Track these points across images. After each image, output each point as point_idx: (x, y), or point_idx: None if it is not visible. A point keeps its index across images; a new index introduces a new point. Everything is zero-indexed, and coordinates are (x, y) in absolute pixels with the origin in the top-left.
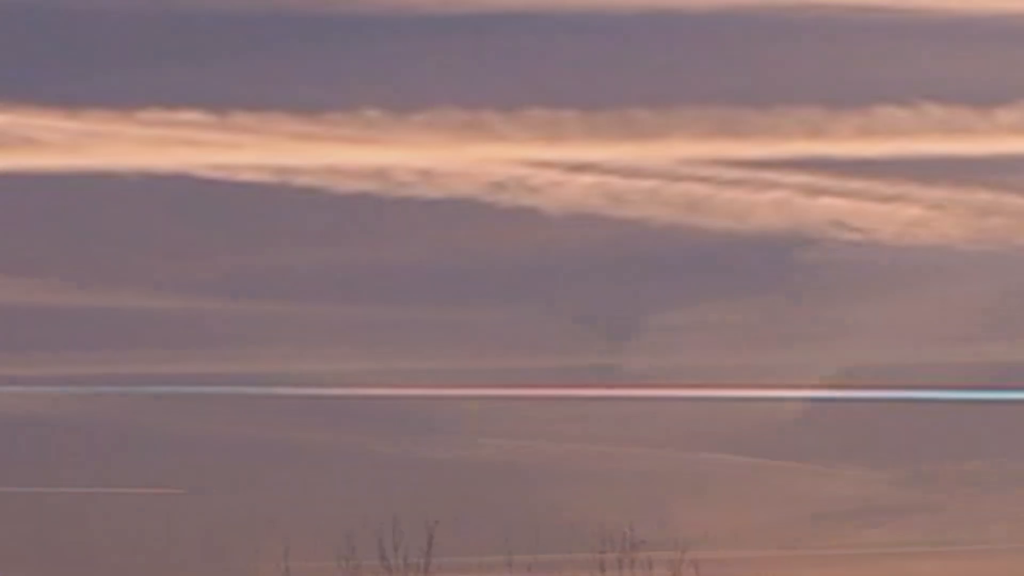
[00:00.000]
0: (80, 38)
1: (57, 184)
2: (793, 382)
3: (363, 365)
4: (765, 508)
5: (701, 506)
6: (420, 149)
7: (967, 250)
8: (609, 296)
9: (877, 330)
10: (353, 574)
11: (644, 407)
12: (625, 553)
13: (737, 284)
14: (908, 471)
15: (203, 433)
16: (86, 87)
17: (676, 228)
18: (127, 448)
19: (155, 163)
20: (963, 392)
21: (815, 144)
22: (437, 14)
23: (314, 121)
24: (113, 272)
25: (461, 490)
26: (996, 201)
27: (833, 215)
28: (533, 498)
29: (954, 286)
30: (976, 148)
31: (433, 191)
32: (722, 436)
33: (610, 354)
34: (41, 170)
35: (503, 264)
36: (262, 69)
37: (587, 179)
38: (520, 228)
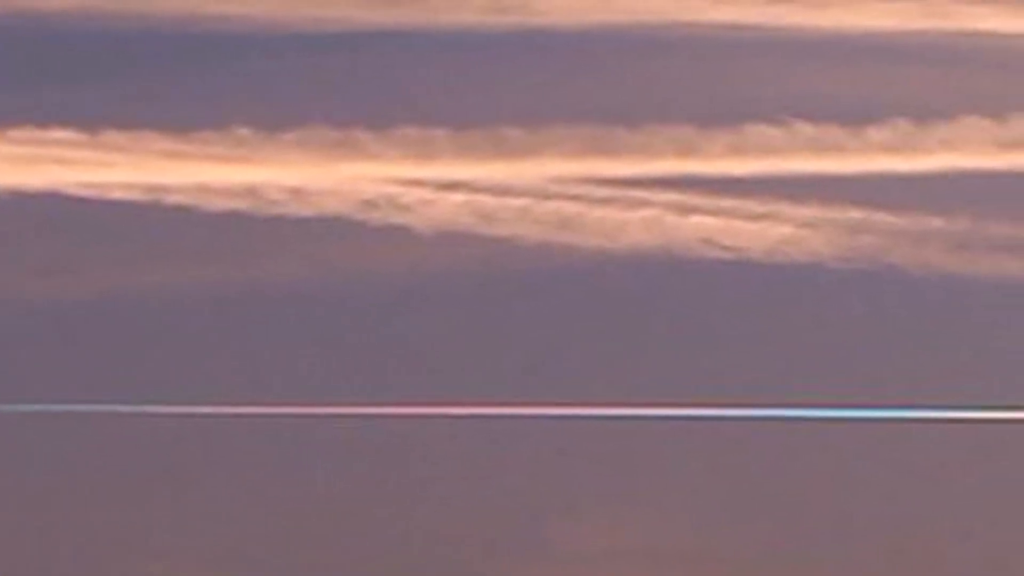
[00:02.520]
0: None
1: None
2: (660, 400)
3: (237, 381)
4: None
5: None
6: (291, 167)
7: (838, 268)
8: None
9: (747, 348)
10: None
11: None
12: None
13: (606, 302)
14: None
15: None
16: None
17: (547, 247)
18: None
19: (25, 182)
20: (834, 411)
21: (686, 162)
22: (308, 32)
23: (185, 139)
24: None
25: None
26: (867, 219)
27: (704, 233)
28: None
29: (825, 305)
30: (847, 166)
31: (304, 209)
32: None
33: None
34: None
35: (373, 282)
36: (133, 88)
37: (458, 197)
38: (391, 247)
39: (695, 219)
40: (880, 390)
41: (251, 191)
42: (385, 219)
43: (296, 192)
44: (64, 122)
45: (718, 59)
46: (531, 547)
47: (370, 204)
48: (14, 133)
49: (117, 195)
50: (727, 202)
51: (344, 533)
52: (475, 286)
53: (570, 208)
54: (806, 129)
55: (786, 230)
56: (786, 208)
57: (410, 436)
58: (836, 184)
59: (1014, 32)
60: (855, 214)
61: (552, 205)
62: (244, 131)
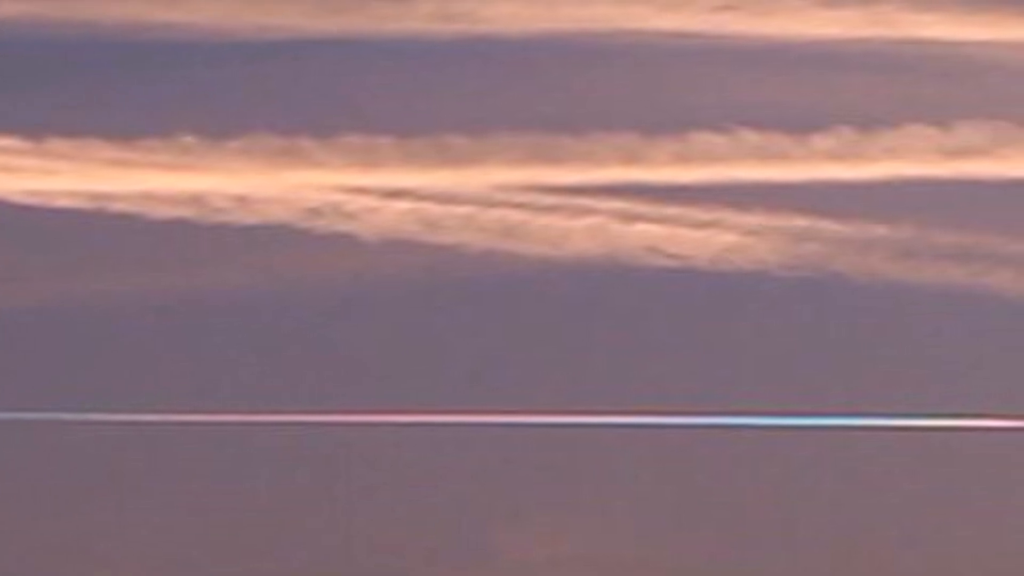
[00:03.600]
0: None
1: None
2: (604, 408)
3: (180, 389)
4: None
5: None
6: (236, 175)
7: (783, 276)
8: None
9: (692, 356)
10: None
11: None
12: None
13: (551, 310)
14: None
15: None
16: None
17: (491, 254)
18: None
19: None
20: (778, 419)
21: (631, 170)
22: (252, 40)
23: (130, 147)
24: None
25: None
26: (812, 227)
27: (649, 241)
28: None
29: (770, 313)
30: (792, 174)
31: (249, 217)
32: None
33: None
34: None
35: (318, 290)
36: (77, 95)
37: (402, 205)
38: (336, 254)
39: (640, 227)
40: (824, 398)
41: (196, 199)
42: (330, 227)
43: (241, 200)
44: (8, 130)
45: (663, 67)
46: (474, 556)
47: (315, 212)
48: None
49: (61, 203)
50: (672, 210)
51: (287, 541)
52: (420, 294)
53: (515, 216)
54: (751, 137)
55: (731, 238)
56: (731, 216)
57: (354, 444)
58: (781, 192)
59: (958, 40)
60: (800, 222)
61: (497, 213)
62: (189, 139)
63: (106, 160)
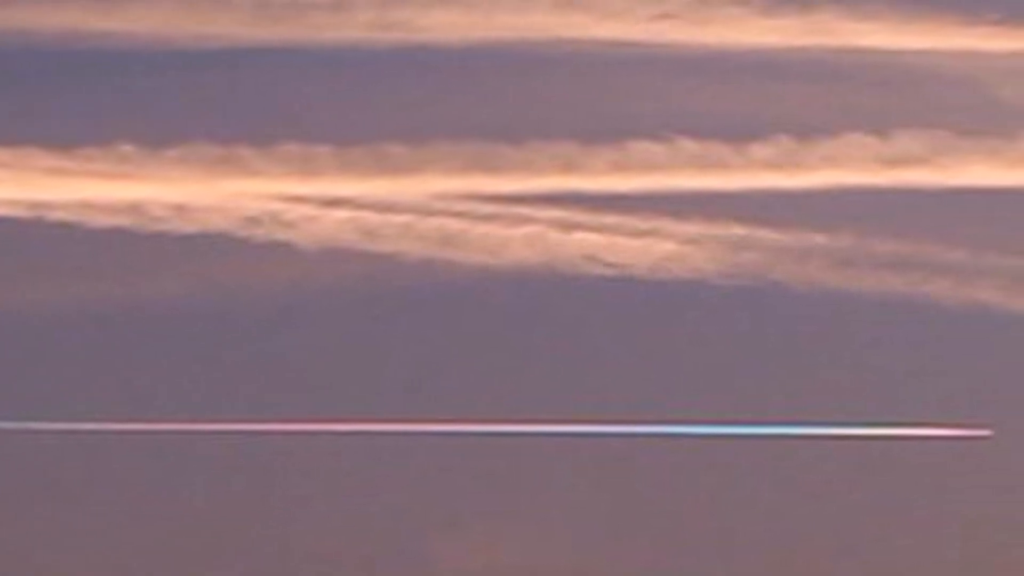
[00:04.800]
0: None
1: None
2: (541, 416)
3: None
4: None
5: None
6: (174, 184)
7: (721, 284)
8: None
9: (630, 365)
10: None
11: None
12: None
13: (490, 318)
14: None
15: None
16: None
17: (430, 263)
18: None
19: None
20: (716, 427)
21: (569, 179)
22: (190, 49)
23: (68, 156)
24: None
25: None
26: (750, 236)
27: (587, 250)
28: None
29: (708, 321)
30: (730, 183)
31: (187, 226)
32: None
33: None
34: None
35: (257, 298)
36: (16, 104)
37: (341, 214)
38: (274, 263)
39: (578, 235)
40: (762, 406)
41: (134, 208)
42: (268, 235)
43: (179, 209)
44: None
45: (601, 76)
46: (411, 564)
47: (253, 221)
48: None
49: (0, 212)
50: (610, 218)
51: (224, 549)
52: (358, 302)
53: (453, 224)
54: (689, 145)
55: (669, 246)
56: (669, 224)
57: (291, 453)
58: (719, 200)
59: (896, 49)
60: (738, 230)
61: (435, 222)
62: (127, 148)
63: (44, 169)
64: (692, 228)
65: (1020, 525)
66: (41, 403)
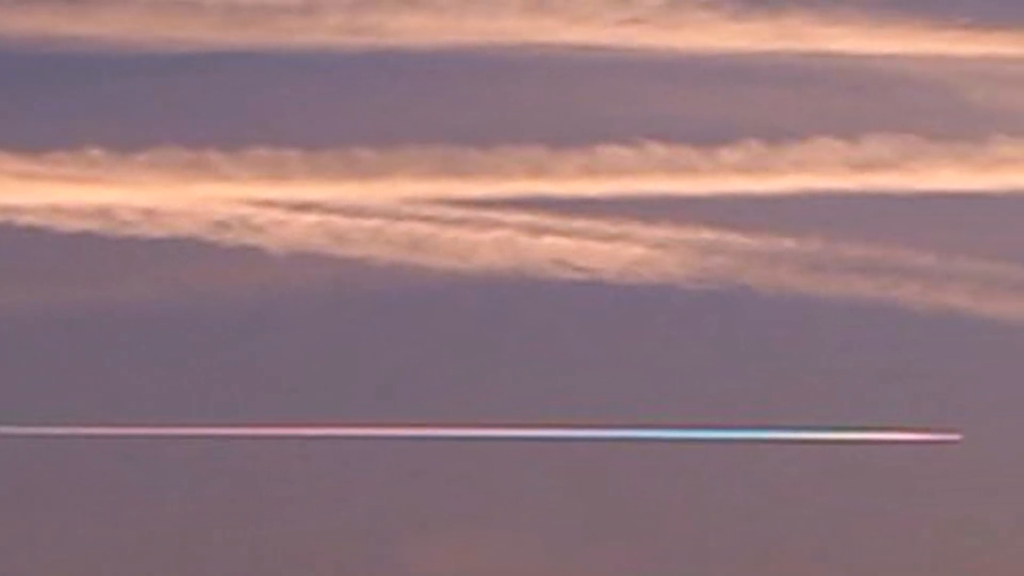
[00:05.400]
0: None
1: None
2: (513, 420)
3: (89, 401)
4: None
5: None
6: (143, 188)
7: (690, 289)
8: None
9: (600, 369)
10: None
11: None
12: None
13: (459, 322)
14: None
15: None
16: None
17: (399, 267)
18: None
19: None
20: (686, 431)
21: (538, 183)
22: (160, 53)
23: (37, 160)
24: None
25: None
26: (719, 240)
27: (556, 254)
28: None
29: (677, 325)
30: (699, 187)
31: (157, 230)
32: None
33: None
34: None
35: (226, 303)
36: None
37: (310, 218)
38: (243, 267)
39: (547, 240)
40: (732, 411)
41: (104, 212)
42: (238, 240)
43: (149, 213)
44: None
45: (571, 80)
46: (384, 568)
47: (223, 225)
48: None
49: None
50: (579, 223)
51: (196, 554)
52: (327, 307)
53: (422, 229)
54: (659, 150)
55: (638, 251)
56: (638, 229)
57: (262, 457)
58: (689, 205)
59: (866, 53)
60: (707, 235)
61: (404, 226)
62: (97, 152)
63: (13, 173)
64: (661, 232)
65: (990, 528)
66: (10, 407)
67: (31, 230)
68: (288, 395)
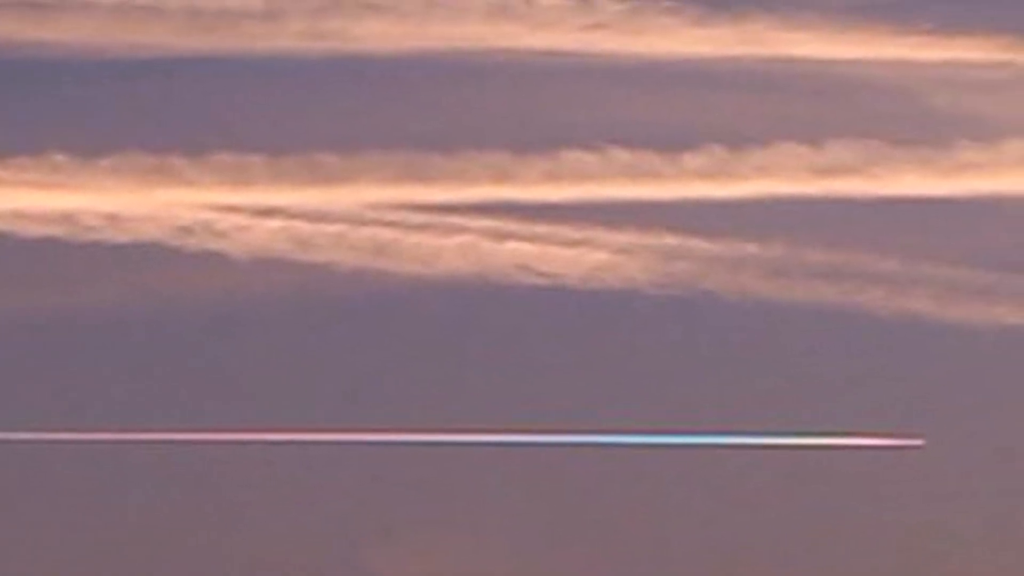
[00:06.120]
0: None
1: None
2: (476, 426)
3: (51, 407)
4: None
5: None
6: (107, 193)
7: (653, 294)
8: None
9: (563, 374)
10: None
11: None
12: None
13: (422, 328)
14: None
15: None
16: None
17: (362, 273)
18: None
19: None
20: (650, 437)
21: (501, 188)
22: (123, 58)
23: (0, 166)
24: None
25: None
26: (682, 246)
27: (519, 259)
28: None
29: (641, 331)
30: (662, 193)
31: (120, 235)
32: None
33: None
34: None
35: (189, 308)
36: None
37: (273, 223)
38: (207, 272)
39: (511, 245)
40: (695, 416)
41: (67, 217)
42: (201, 245)
43: (112, 218)
44: None
45: (534, 85)
46: (347, 573)
47: (186, 230)
48: None
49: None
50: (542, 228)
51: (159, 560)
52: (291, 312)
53: (385, 234)
54: (621, 155)
55: (602, 256)
56: (602, 234)
57: (225, 462)
58: (652, 210)
59: (829, 58)
60: (670, 240)
61: (367, 231)
62: (59, 157)
63: None
64: (624, 238)
65: (953, 534)
66: None
67: None
68: (252, 400)
